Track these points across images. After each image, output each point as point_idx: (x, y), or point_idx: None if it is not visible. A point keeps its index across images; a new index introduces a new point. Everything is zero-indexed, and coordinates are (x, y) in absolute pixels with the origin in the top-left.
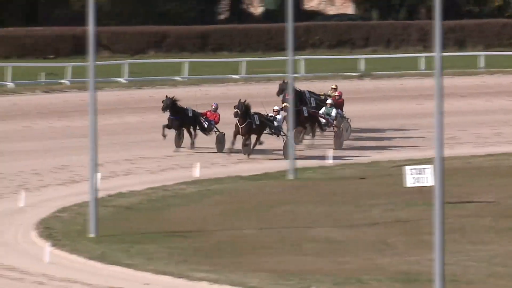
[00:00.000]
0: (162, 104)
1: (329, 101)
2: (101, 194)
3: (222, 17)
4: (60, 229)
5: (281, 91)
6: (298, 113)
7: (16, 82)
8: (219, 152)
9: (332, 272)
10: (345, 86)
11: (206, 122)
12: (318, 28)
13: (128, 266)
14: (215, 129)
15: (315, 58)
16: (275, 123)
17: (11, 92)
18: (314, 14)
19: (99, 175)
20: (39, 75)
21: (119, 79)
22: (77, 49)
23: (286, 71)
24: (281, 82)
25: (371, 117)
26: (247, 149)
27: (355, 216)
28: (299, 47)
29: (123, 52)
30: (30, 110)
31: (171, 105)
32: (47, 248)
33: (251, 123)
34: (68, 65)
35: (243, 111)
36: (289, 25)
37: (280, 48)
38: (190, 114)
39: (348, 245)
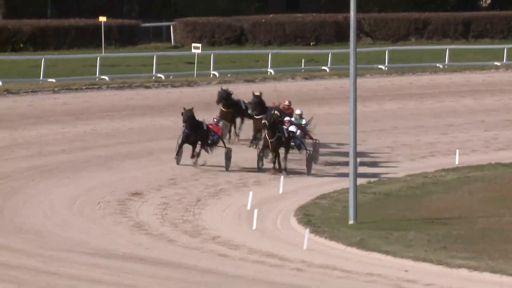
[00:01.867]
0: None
1: (298, 111)
2: (360, 181)
3: (484, 4)
4: (319, 216)
5: (221, 99)
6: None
7: (277, 69)
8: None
9: None
10: None
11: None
12: None
13: (387, 253)
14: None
15: None
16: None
17: (272, 79)
18: None
19: (358, 162)
20: (300, 62)
21: (379, 66)
22: (338, 36)
23: None
24: (219, 89)
25: None
26: (278, 166)
27: None
28: None
29: (384, 39)
30: (290, 97)
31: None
32: (306, 235)
33: (281, 138)
34: (329, 52)
35: (271, 123)
36: None
37: None
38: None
39: None
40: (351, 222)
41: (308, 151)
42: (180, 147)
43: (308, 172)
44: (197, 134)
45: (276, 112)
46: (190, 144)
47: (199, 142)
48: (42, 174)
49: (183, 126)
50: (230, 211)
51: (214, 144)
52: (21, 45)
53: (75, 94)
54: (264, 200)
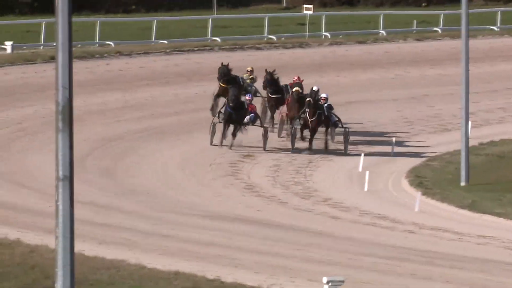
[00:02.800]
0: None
1: (324, 95)
2: (472, 142)
3: None
4: (431, 178)
5: (222, 75)
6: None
7: (388, 30)
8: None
9: None
10: None
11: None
12: None
13: (499, 215)
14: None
15: None
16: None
17: (384, 40)
18: None
19: (470, 123)
20: (411, 23)
21: (492, 27)
22: None
23: None
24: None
25: None
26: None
27: None
28: None
29: (496, 0)
30: (402, 58)
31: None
32: (418, 197)
33: (321, 115)
34: (441, 13)
35: (315, 100)
36: None
37: None
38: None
39: None
40: (462, 184)
41: (346, 128)
42: (225, 127)
43: (345, 150)
44: (240, 113)
45: (298, 88)
46: (231, 123)
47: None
48: (154, 136)
49: (226, 104)
50: (341, 173)
51: (251, 123)
52: (133, 7)
53: (186, 56)
54: (376, 162)
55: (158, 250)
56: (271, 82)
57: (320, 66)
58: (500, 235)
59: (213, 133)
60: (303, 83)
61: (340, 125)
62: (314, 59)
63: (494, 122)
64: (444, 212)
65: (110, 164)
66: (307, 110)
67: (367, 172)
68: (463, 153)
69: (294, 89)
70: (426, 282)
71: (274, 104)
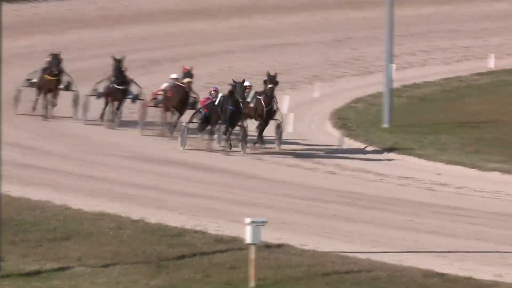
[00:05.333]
0: None
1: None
2: (395, 85)
3: None
4: (354, 120)
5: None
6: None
7: None
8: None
9: None
10: None
11: None
12: None
13: (420, 156)
14: None
15: None
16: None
17: None
18: None
19: (393, 66)
20: None
21: None
22: None
23: None
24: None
25: None
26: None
27: None
28: None
29: None
30: (326, 1)
31: None
32: (340, 138)
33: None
34: None
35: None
36: None
37: None
38: None
39: None
40: (385, 125)
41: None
42: (227, 129)
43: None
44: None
45: (190, 80)
46: (231, 126)
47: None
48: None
49: (222, 99)
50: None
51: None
52: None
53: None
54: (300, 103)
55: (84, 191)
56: (119, 71)
57: (242, 9)
58: (421, 176)
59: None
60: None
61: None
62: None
63: (417, 64)
64: (367, 153)
65: (38, 107)
66: (262, 100)
67: (292, 114)
68: (385, 95)
69: (185, 80)
70: (346, 223)
71: (120, 97)
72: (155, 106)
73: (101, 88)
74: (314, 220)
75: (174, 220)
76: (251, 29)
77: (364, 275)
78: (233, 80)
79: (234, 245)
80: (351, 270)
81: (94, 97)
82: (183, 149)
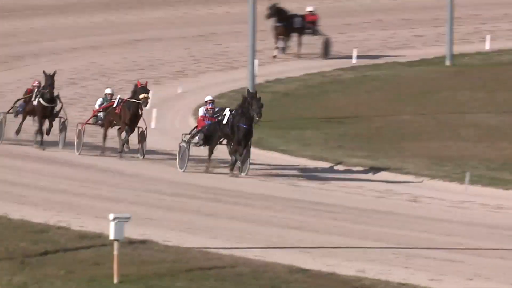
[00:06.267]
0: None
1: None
2: (259, 80)
3: None
4: None
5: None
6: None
7: None
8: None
9: (488, 158)
10: None
11: None
12: None
13: (284, 151)
14: None
15: None
16: None
17: None
18: None
19: (256, 61)
20: None
21: None
22: None
23: None
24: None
25: None
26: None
27: (510, 102)
28: None
29: None
30: None
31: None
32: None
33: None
34: None
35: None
36: None
37: None
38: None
39: (506, 131)
40: None
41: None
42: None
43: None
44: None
45: (147, 95)
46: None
47: None
48: None
49: (232, 116)
50: None
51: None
52: None
53: None
54: (163, 99)
55: None
56: (52, 87)
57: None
58: (285, 172)
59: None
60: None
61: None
62: None
63: (280, 60)
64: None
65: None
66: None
67: (155, 110)
68: (251, 90)
69: (141, 96)
70: (210, 218)
71: (43, 115)
72: (95, 123)
73: (19, 105)
74: (178, 216)
75: (37, 216)
76: (115, 24)
77: (228, 271)
78: (248, 92)
79: (98, 241)
80: (215, 266)
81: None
82: (183, 171)
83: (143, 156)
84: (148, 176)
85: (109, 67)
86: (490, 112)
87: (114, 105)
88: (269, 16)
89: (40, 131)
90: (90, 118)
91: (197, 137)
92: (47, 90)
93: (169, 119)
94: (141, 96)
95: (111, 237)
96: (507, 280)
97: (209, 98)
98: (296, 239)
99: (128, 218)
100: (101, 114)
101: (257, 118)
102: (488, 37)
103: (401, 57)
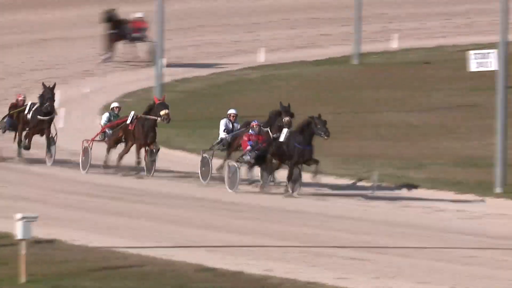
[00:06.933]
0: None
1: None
2: (166, 79)
3: None
4: (125, 114)
5: None
6: None
7: None
8: None
9: (395, 156)
10: None
11: None
12: None
13: (191, 151)
14: None
15: None
16: None
17: None
18: None
19: (164, 60)
20: None
21: None
22: None
23: None
24: None
25: None
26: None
27: (419, 100)
28: None
29: None
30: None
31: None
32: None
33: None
34: None
35: None
36: None
37: None
38: None
39: (411, 129)
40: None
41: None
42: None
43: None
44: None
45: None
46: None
47: None
48: None
49: (289, 134)
50: None
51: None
52: None
53: None
54: (71, 98)
55: None
56: (52, 98)
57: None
58: (193, 170)
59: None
60: None
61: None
62: None
63: (187, 59)
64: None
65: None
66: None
67: (63, 109)
68: (157, 90)
69: (162, 113)
70: (117, 217)
71: (40, 128)
72: (102, 140)
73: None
74: (85, 215)
75: None
76: (20, 24)
77: (134, 270)
78: (313, 117)
79: (5, 241)
80: (122, 265)
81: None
82: (235, 192)
83: (52, 162)
84: (55, 176)
85: (16, 66)
86: (398, 111)
87: (128, 122)
88: (103, 21)
89: (20, 143)
90: (98, 134)
91: (248, 156)
92: (47, 103)
93: (76, 119)
94: (162, 112)
95: (18, 236)
96: (411, 278)
97: (232, 111)
98: (203, 238)
99: (36, 217)
100: (110, 131)
101: (325, 138)
102: (395, 36)
103: (309, 56)
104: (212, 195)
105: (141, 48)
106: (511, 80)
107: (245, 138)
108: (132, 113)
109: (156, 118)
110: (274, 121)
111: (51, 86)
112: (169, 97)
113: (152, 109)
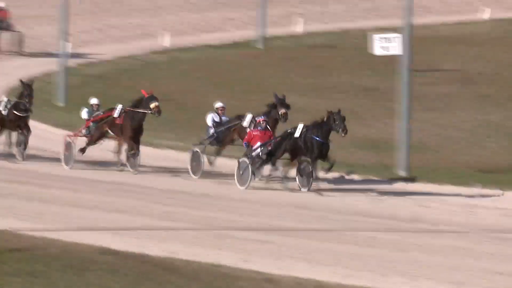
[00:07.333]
0: None
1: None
2: (70, 63)
3: None
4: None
5: None
6: None
7: None
8: None
9: None
10: None
11: None
12: None
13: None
14: None
15: None
16: None
17: None
18: None
19: (69, 44)
20: None
21: None
22: None
23: None
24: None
25: None
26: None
27: (321, 84)
28: None
29: None
30: None
31: None
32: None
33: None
34: None
35: None
36: None
37: None
38: None
39: (317, 113)
40: (60, 104)
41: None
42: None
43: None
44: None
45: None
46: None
47: None
48: None
49: (306, 129)
50: None
51: None
52: None
53: None
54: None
55: None
56: (31, 95)
57: None
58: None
59: None
60: None
61: None
62: None
63: (92, 43)
64: (45, 132)
65: None
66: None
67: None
68: (60, 74)
69: (152, 105)
70: (23, 202)
71: (17, 125)
72: (85, 135)
73: None
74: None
75: None
76: None
77: (38, 253)
78: (332, 112)
79: None
80: (26, 248)
81: None
82: (245, 189)
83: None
84: None
85: None
86: (303, 95)
87: (115, 115)
88: None
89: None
90: (81, 129)
91: (259, 151)
92: (27, 100)
93: None
94: (152, 105)
95: None
96: (313, 258)
97: (220, 105)
98: (109, 221)
99: None
100: (93, 125)
101: (343, 135)
102: (300, 20)
103: (214, 40)
104: (126, 179)
105: (5, 37)
106: (414, 64)
107: (254, 133)
108: (120, 106)
109: (146, 111)
110: (269, 113)
111: (29, 83)
112: (72, 81)
113: (141, 102)
